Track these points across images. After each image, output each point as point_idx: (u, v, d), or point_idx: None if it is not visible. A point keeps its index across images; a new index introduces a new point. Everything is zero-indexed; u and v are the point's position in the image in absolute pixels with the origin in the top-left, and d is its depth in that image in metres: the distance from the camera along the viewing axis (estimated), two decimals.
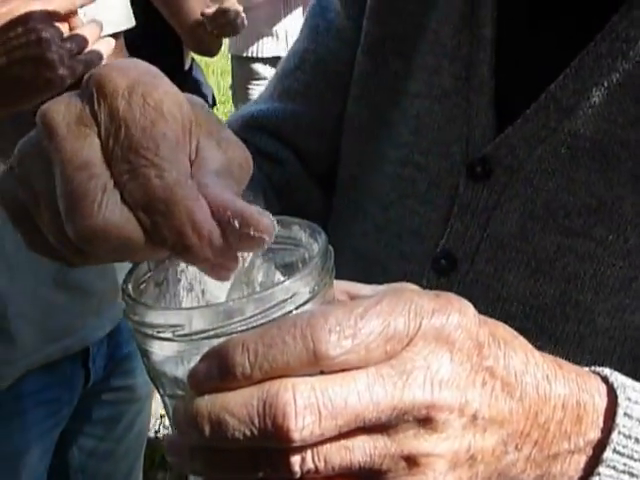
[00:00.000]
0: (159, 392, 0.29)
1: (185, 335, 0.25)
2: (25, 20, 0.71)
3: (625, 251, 0.42)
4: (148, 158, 0.25)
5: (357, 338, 0.24)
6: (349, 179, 0.55)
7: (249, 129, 0.57)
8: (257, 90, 2.35)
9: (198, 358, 0.25)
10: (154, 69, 0.28)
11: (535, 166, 0.44)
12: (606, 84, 0.42)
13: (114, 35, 0.91)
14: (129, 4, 1.02)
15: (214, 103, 2.26)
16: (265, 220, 0.26)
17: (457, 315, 0.26)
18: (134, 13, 1.03)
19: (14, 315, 0.89)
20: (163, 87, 0.27)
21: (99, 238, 0.25)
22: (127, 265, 0.30)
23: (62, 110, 0.26)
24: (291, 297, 0.26)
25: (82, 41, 0.75)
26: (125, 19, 1.00)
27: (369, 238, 0.52)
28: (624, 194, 0.42)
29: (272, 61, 2.38)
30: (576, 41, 0.43)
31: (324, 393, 0.23)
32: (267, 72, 2.38)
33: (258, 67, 2.45)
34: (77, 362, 1.01)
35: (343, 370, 0.24)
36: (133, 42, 1.03)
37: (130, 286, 0.28)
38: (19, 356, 0.92)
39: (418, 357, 0.25)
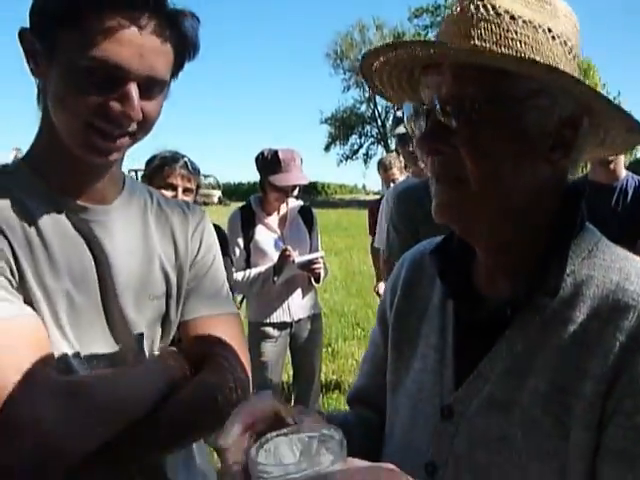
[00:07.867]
0: None
1: (275, 477, 0.54)
2: None
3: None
4: None
5: None
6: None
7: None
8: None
9: None
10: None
11: (474, 408, 0.79)
12: (501, 365, 0.78)
13: None
14: None
15: None
16: None
17: None
18: None
19: None
20: None
21: None
22: None
23: None
24: (328, 461, 0.54)
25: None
26: None
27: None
28: (516, 432, 0.74)
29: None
30: (489, 340, 0.81)
31: None
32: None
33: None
34: None
35: None
36: None
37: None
38: None
39: None
